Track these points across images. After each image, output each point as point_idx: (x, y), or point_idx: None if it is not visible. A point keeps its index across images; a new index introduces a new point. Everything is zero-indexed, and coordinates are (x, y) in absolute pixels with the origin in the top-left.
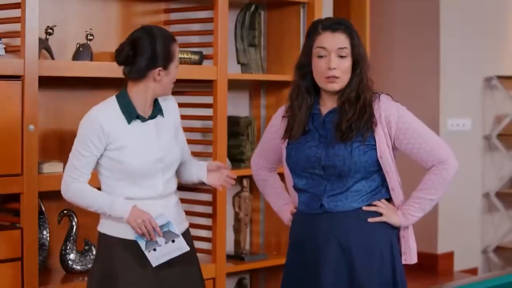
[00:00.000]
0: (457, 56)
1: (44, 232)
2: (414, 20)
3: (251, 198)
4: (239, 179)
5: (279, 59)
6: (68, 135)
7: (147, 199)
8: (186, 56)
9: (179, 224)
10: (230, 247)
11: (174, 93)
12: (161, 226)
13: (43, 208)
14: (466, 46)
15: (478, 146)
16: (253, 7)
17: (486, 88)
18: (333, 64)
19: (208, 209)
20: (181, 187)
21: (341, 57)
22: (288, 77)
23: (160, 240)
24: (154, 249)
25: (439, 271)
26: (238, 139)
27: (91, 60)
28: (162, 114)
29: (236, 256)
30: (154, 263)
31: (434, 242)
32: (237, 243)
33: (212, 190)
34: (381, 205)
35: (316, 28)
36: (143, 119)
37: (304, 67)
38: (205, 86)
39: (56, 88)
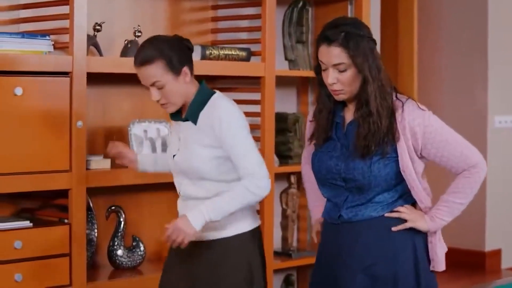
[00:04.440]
0: (505, 53)
1: (92, 228)
2: (462, 18)
3: (298, 194)
4: (287, 176)
5: None
6: (115, 131)
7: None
8: (233, 53)
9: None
10: (277, 244)
11: (223, 89)
12: None
13: (91, 204)
14: None
15: None
16: (300, 4)
17: None
18: (330, 80)
19: (256, 207)
20: None
21: (340, 71)
22: None
23: None
24: None
25: (486, 269)
26: (286, 136)
27: None
28: (194, 122)
29: (284, 253)
30: None
31: (481, 239)
32: (284, 239)
33: None
34: (404, 210)
35: (318, 38)
36: (175, 118)
37: (320, 74)
38: (253, 82)
39: (104, 85)
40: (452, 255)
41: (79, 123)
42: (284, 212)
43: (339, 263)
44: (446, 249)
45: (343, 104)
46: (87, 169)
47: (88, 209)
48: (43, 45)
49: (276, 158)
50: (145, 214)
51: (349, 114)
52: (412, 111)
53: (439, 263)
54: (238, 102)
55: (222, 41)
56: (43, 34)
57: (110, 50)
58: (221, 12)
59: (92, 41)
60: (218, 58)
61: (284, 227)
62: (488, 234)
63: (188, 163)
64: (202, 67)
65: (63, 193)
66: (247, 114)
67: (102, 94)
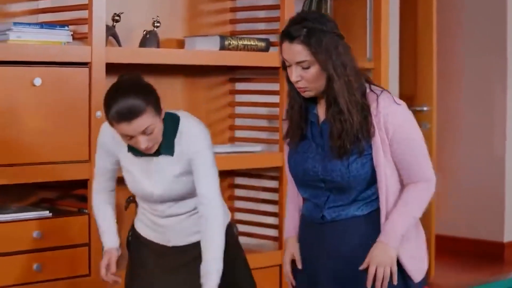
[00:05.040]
0: None
1: None
2: (481, 18)
3: None
4: None
5: None
6: None
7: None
8: (252, 43)
9: (188, 236)
10: None
11: (241, 80)
12: None
13: None
14: None
15: None
16: None
17: None
18: (294, 77)
19: (274, 196)
20: (247, 174)
21: (304, 68)
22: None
23: None
24: None
25: (505, 260)
26: None
27: (158, 47)
28: (171, 154)
29: None
30: None
31: (500, 230)
32: None
33: (278, 177)
34: (371, 269)
35: (280, 34)
36: (140, 154)
37: (286, 69)
38: (272, 73)
39: None
40: (470, 246)
41: (98, 113)
42: None
43: (321, 263)
44: (425, 265)
45: (315, 100)
46: None
47: None
48: (62, 35)
49: None
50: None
51: (322, 111)
52: (388, 105)
53: (412, 272)
54: (257, 92)
55: (241, 31)
56: (62, 24)
57: (129, 40)
58: (240, 3)
59: (111, 32)
60: (237, 48)
61: None
62: (507, 225)
63: (170, 193)
64: (221, 57)
65: (82, 183)
66: (266, 104)
67: None
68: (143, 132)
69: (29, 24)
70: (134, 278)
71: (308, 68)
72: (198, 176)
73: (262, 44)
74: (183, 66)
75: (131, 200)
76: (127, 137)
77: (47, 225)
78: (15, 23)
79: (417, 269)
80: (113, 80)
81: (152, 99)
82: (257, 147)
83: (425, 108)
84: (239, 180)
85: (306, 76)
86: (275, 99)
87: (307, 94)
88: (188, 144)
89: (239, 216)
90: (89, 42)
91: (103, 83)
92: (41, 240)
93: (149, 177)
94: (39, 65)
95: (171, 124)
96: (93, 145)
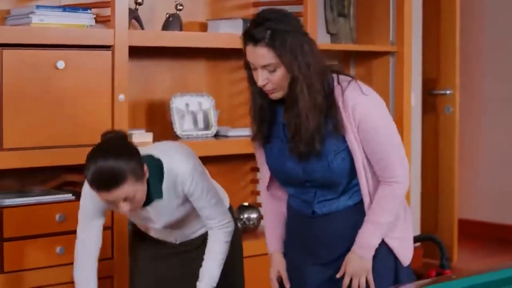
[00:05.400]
0: None
1: None
2: (505, 22)
3: None
4: None
5: (369, 29)
6: (157, 105)
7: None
8: None
9: (194, 232)
10: None
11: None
12: None
13: None
14: None
15: None
16: None
17: None
18: (261, 81)
19: None
20: None
21: (270, 71)
22: (377, 47)
23: None
24: None
25: None
26: None
27: (181, 30)
28: (161, 196)
29: None
30: None
31: None
32: None
33: None
34: (346, 279)
35: (243, 36)
36: None
37: (249, 69)
38: None
39: (146, 58)
40: (493, 230)
41: (121, 96)
42: None
43: (310, 251)
44: (412, 246)
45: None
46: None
47: None
48: (85, 18)
49: None
50: None
51: None
52: (355, 96)
53: (402, 257)
54: None
55: None
56: (85, 7)
57: (152, 23)
58: None
59: (133, 15)
60: None
61: None
62: None
63: (176, 219)
64: None
65: None
66: None
67: (143, 67)
68: (124, 199)
69: (52, 7)
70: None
71: (274, 71)
72: (198, 209)
73: None
74: (206, 49)
75: None
76: (107, 201)
77: (70, 208)
78: (37, 6)
79: (406, 253)
80: (135, 63)
81: (134, 165)
82: None
83: (448, 92)
84: None
85: (273, 79)
86: None
87: (275, 96)
88: (178, 185)
89: (260, 199)
90: (111, 25)
91: (126, 66)
92: (64, 223)
93: (150, 220)
94: (62, 48)
95: (155, 170)
96: (116, 128)
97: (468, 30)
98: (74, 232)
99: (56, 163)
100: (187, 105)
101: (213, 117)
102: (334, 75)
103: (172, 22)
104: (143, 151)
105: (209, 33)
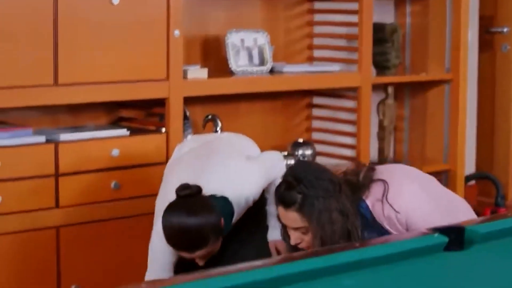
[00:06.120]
0: None
1: (189, 137)
2: None
3: (395, 105)
4: (384, 87)
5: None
6: (212, 40)
7: None
8: None
9: None
10: (374, 155)
11: None
12: None
13: (188, 113)
14: None
15: None
16: None
17: None
18: (293, 241)
19: (353, 116)
20: (325, 93)
21: (302, 232)
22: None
23: None
24: None
25: None
26: (383, 46)
27: None
28: (229, 229)
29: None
30: None
31: None
32: (381, 150)
33: (357, 97)
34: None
35: (276, 196)
36: None
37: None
38: None
39: None
40: None
41: (176, 32)
42: (381, 123)
43: None
44: None
45: None
46: (184, 78)
47: (185, 118)
48: None
49: (373, 69)
50: (241, 123)
51: None
52: (392, 210)
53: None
54: (336, 12)
55: None
56: None
57: None
58: None
59: None
60: None
61: (381, 138)
62: None
63: None
64: None
65: (160, 102)
66: (344, 23)
67: (199, 3)
68: (203, 257)
69: None
70: None
71: (306, 232)
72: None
73: None
74: None
75: (209, 119)
76: (184, 256)
77: (125, 143)
78: None
79: None
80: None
81: (214, 223)
82: (335, 67)
83: (505, 29)
84: (317, 100)
85: (306, 238)
86: (354, 18)
87: (307, 248)
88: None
89: (316, 136)
90: None
91: (181, 1)
92: (119, 158)
93: None
94: None
95: (225, 208)
96: (171, 64)
97: None
98: (129, 167)
99: (112, 99)
100: (242, 40)
101: (268, 53)
102: (368, 201)
103: None
104: (204, 187)
105: None
